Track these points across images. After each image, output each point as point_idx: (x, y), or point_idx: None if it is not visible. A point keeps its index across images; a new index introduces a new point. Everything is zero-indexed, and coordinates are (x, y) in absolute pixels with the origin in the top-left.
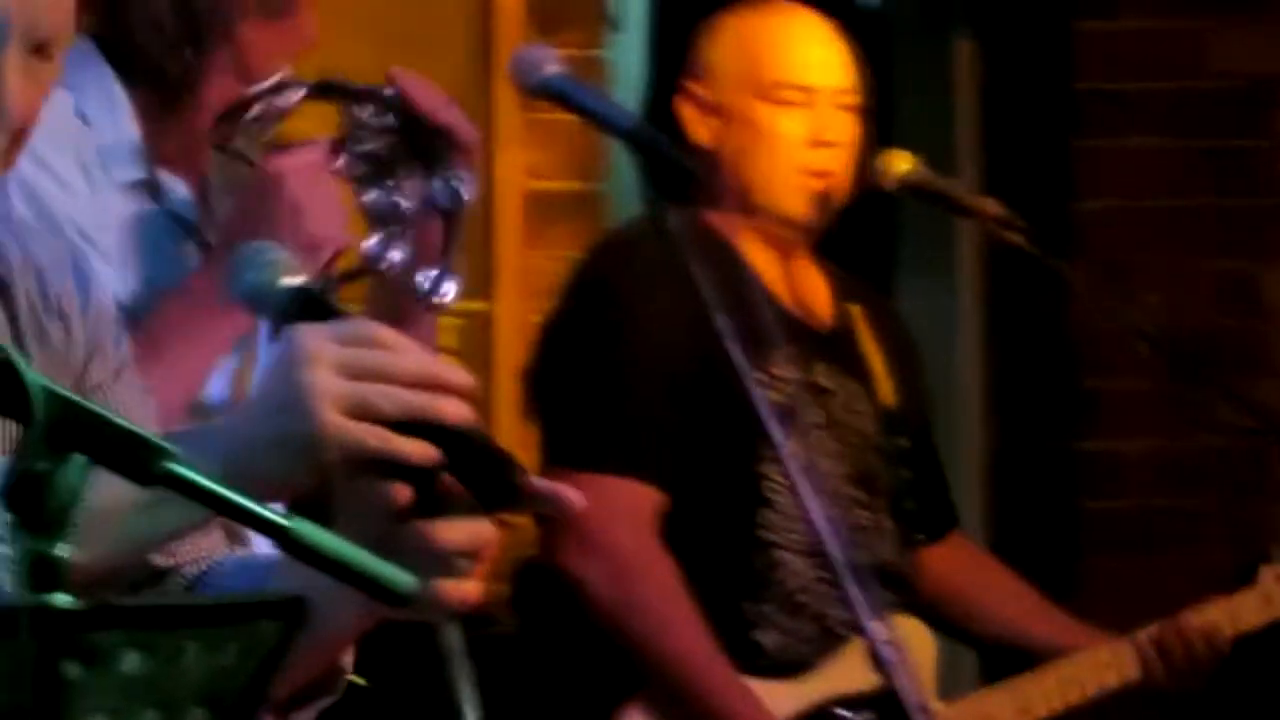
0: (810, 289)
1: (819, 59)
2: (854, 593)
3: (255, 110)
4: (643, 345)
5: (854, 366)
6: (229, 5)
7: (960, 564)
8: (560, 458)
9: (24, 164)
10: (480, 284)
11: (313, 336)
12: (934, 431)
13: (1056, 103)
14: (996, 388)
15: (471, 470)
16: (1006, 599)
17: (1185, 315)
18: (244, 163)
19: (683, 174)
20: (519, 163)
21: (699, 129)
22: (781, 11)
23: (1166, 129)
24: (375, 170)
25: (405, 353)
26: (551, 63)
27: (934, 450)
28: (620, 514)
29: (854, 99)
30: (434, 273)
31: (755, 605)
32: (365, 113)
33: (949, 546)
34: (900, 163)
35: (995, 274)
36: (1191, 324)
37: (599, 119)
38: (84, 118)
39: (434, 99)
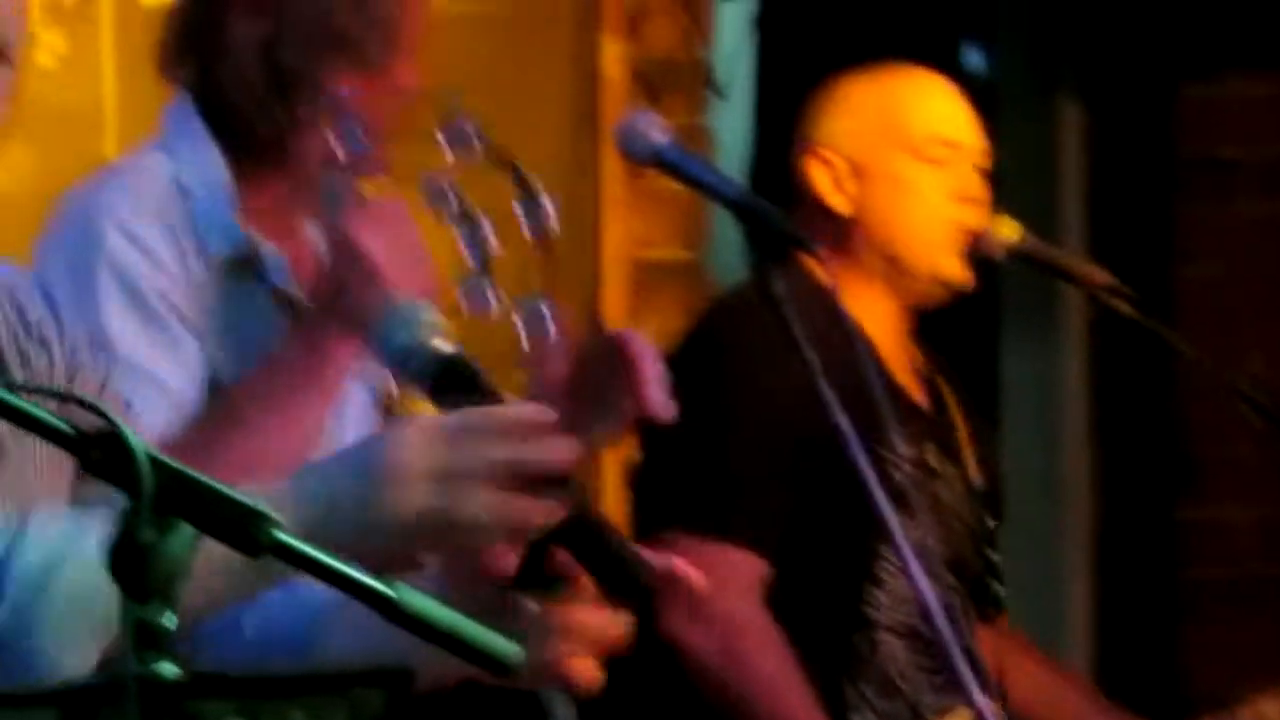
0: (907, 363)
1: (962, 116)
2: (964, 677)
3: (338, 169)
4: (755, 412)
5: (953, 447)
6: (318, 59)
7: (1002, 650)
8: (669, 522)
9: (112, 236)
10: None
11: (407, 452)
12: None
13: (1161, 168)
14: (1102, 455)
15: (594, 558)
16: (1045, 687)
17: None
18: (329, 223)
19: (790, 242)
20: (624, 231)
21: (834, 194)
22: (914, 73)
23: (1270, 194)
24: (463, 205)
25: (502, 444)
26: (657, 130)
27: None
28: (730, 581)
29: (987, 159)
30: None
31: (854, 685)
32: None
33: (997, 632)
34: (1005, 229)
35: (1100, 340)
36: None
37: (705, 187)
38: (180, 186)
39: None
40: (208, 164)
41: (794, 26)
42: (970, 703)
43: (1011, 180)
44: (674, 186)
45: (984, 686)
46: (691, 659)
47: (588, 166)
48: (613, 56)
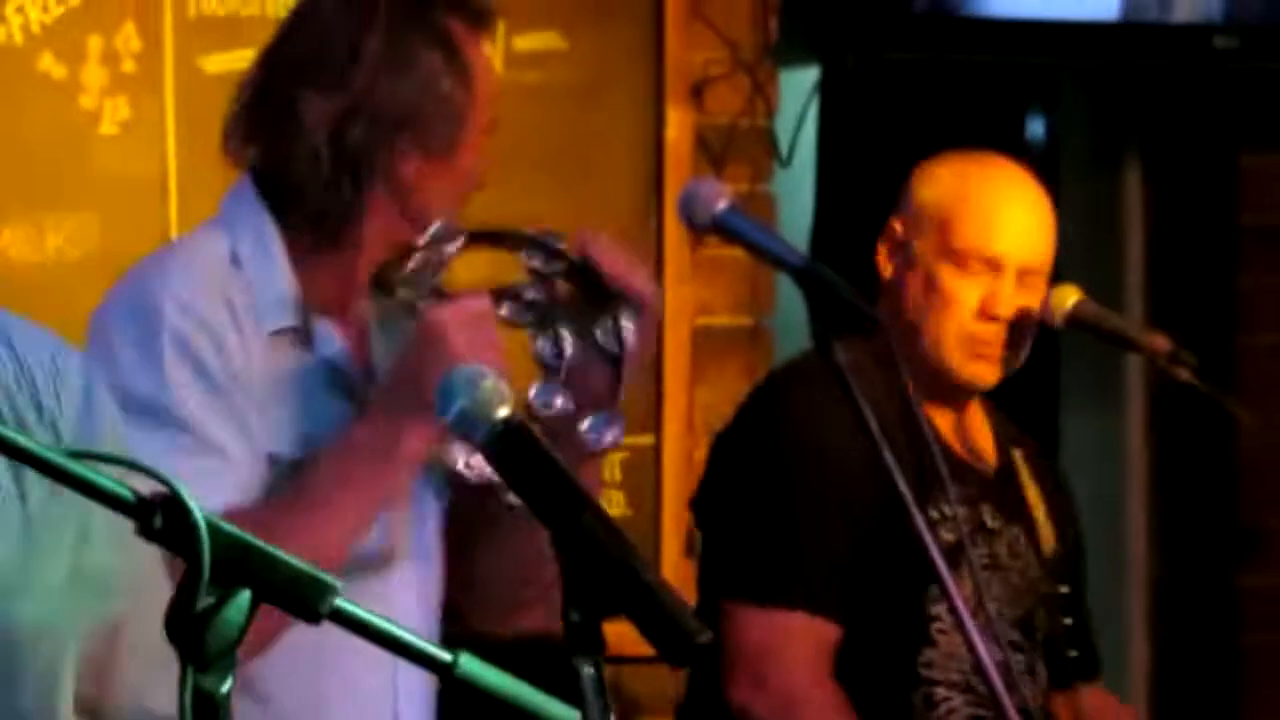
0: (976, 430)
1: (1014, 232)
2: None
3: (418, 259)
4: (818, 479)
5: (1018, 510)
6: (388, 142)
7: (1099, 709)
8: (734, 591)
9: (171, 312)
10: (646, 418)
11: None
12: (1092, 566)
13: (1222, 238)
14: (1162, 521)
15: (650, 620)
16: None
17: None
18: (407, 313)
19: (853, 311)
20: (687, 297)
21: (885, 263)
22: (992, 173)
23: None
24: (540, 317)
25: None
26: (721, 198)
27: (1084, 599)
28: (793, 649)
29: (1040, 273)
30: (598, 418)
31: None
32: (533, 260)
33: (1090, 696)
34: (1068, 297)
35: (1161, 407)
36: None
37: (768, 255)
38: (237, 260)
39: (619, 262)
40: (265, 240)
41: (858, 95)
42: None
43: (1074, 248)
44: (737, 253)
45: None
46: None
47: (652, 232)
48: (677, 123)
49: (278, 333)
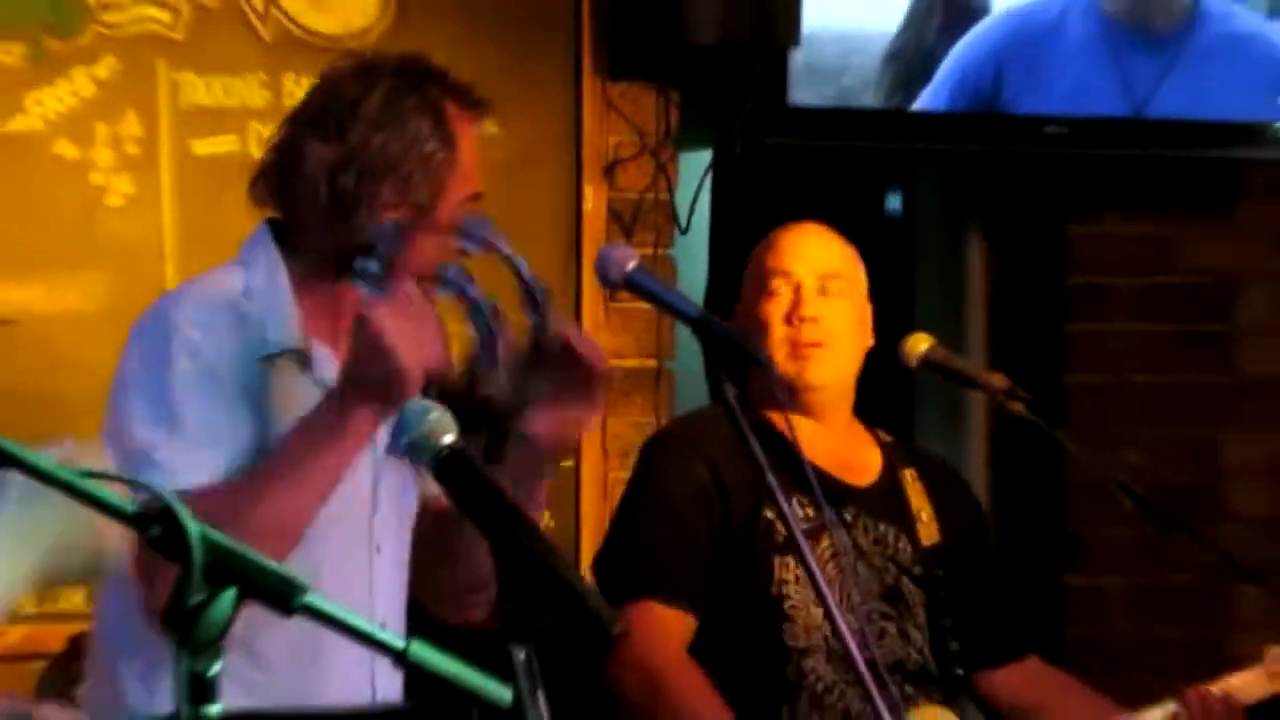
0: (857, 454)
1: (800, 249)
2: (871, 686)
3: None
4: (672, 503)
5: (892, 513)
6: (374, 189)
7: (1030, 682)
8: (606, 591)
9: (183, 324)
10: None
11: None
12: (1004, 578)
13: (1052, 293)
14: (1000, 529)
15: (577, 619)
16: (1072, 709)
17: (1158, 472)
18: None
19: (740, 354)
20: (602, 343)
21: (741, 319)
22: (789, 225)
23: (1144, 316)
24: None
25: None
26: (630, 260)
27: (998, 583)
28: (648, 633)
29: (842, 276)
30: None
31: (790, 705)
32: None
33: (1023, 668)
34: (921, 344)
35: (1000, 436)
36: (1163, 480)
37: (670, 308)
38: (249, 292)
39: (589, 347)
40: (274, 275)
41: (744, 174)
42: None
43: (926, 303)
44: (643, 306)
45: (922, 696)
46: (619, 696)
47: (571, 289)
48: (592, 197)
49: (280, 354)
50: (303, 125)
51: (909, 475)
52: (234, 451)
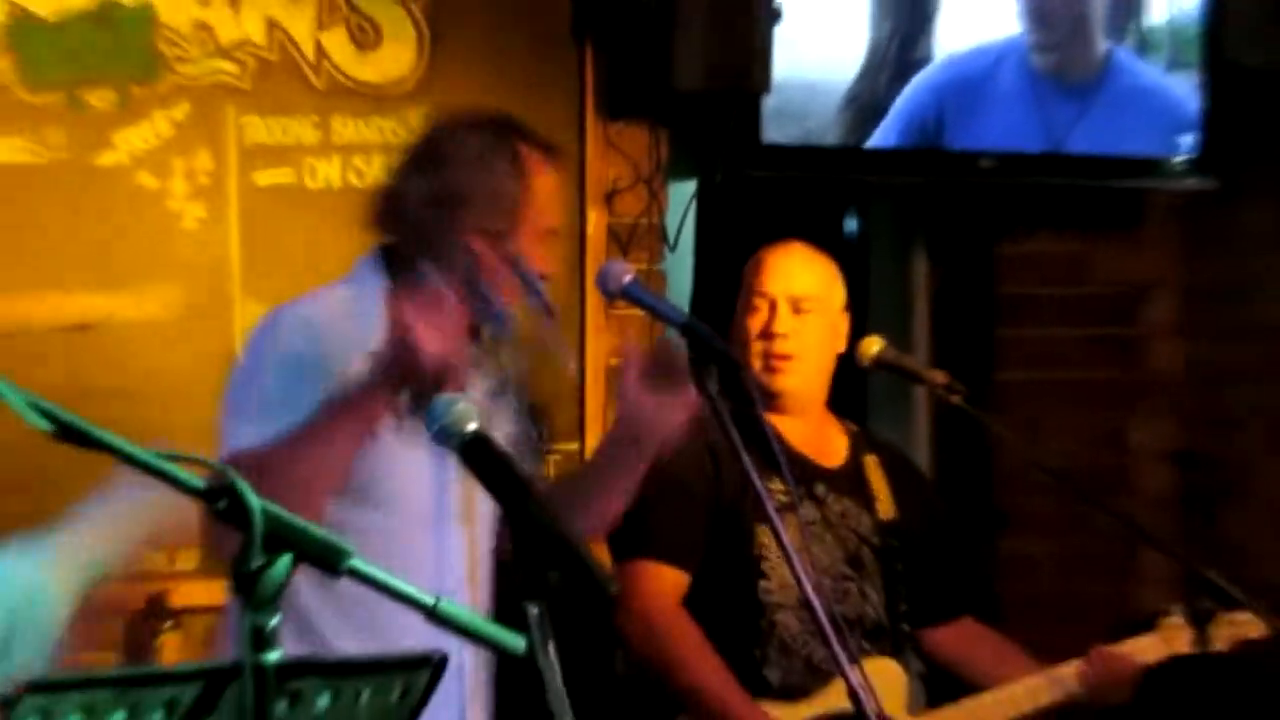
0: (827, 440)
1: (778, 273)
2: (833, 639)
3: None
4: (671, 475)
5: (855, 491)
6: (456, 216)
7: (963, 639)
8: (613, 552)
9: (284, 321)
10: (573, 431)
11: None
12: (948, 548)
13: (984, 302)
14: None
15: (578, 575)
16: (986, 658)
17: (1076, 454)
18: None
19: (720, 356)
20: (602, 344)
21: (733, 327)
22: (775, 247)
23: (1062, 322)
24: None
25: None
26: (627, 274)
27: (941, 560)
28: (645, 587)
29: (815, 299)
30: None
31: (761, 650)
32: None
33: (959, 627)
34: (873, 346)
35: (941, 423)
36: (1079, 461)
37: (660, 315)
38: (348, 303)
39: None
40: (372, 292)
41: (724, 201)
42: (835, 658)
43: (877, 311)
44: (638, 313)
45: (877, 650)
46: (626, 645)
47: (577, 300)
48: (594, 221)
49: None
50: (407, 164)
51: (870, 461)
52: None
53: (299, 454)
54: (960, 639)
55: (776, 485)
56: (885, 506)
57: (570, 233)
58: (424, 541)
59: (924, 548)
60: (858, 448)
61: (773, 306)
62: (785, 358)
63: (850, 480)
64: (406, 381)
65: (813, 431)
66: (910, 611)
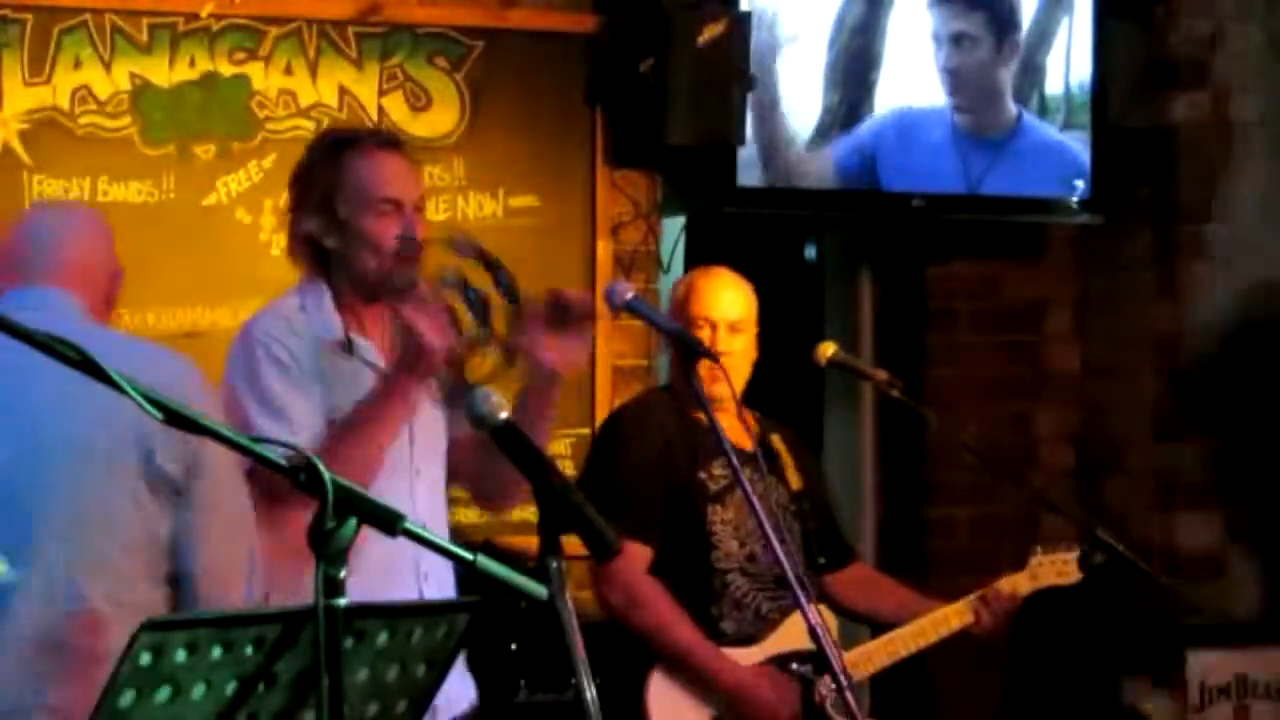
0: (741, 429)
1: (716, 300)
2: (797, 588)
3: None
4: (635, 461)
5: (772, 468)
6: (333, 211)
7: (858, 581)
8: None
9: (262, 336)
10: (584, 417)
11: None
12: (834, 505)
13: (916, 314)
14: (883, 478)
15: (590, 539)
16: (889, 599)
17: (991, 437)
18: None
19: (701, 354)
20: (609, 349)
21: None
22: (709, 271)
23: (979, 330)
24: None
25: None
26: (629, 292)
27: (832, 516)
28: (625, 564)
29: (746, 321)
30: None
31: (717, 607)
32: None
33: (852, 570)
34: (828, 349)
35: (883, 412)
36: (994, 442)
37: (655, 325)
38: (304, 307)
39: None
40: (321, 293)
41: (707, 233)
42: (798, 600)
43: (831, 321)
44: (638, 324)
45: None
46: (610, 610)
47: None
48: (602, 250)
49: (330, 344)
50: (294, 197)
51: (776, 440)
52: (314, 417)
53: (357, 438)
54: (855, 581)
55: (718, 470)
56: (794, 478)
57: (583, 258)
58: (400, 488)
59: (819, 508)
60: (765, 431)
61: (714, 328)
62: (723, 373)
63: (767, 459)
64: (423, 373)
65: (732, 424)
66: (824, 564)
